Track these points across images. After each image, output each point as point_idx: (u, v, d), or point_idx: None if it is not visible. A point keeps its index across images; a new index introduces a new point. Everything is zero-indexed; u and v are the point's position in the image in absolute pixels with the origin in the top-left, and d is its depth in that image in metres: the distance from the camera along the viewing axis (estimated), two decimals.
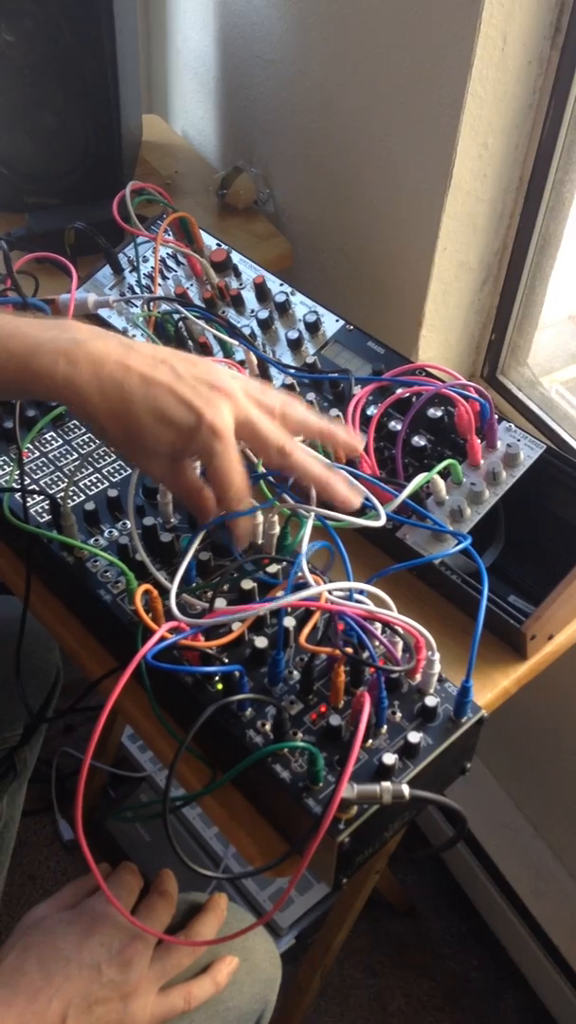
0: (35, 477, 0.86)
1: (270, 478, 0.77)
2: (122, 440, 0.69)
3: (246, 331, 0.99)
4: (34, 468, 0.87)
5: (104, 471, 0.87)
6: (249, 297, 1.02)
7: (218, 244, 1.06)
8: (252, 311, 1.01)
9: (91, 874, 0.65)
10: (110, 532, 0.81)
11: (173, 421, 0.67)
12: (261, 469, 0.79)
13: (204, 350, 0.98)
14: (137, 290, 1.05)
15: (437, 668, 0.69)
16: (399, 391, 0.88)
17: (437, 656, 0.69)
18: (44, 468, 0.87)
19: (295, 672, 0.71)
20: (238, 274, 1.04)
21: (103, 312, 1.03)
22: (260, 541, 0.79)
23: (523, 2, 0.93)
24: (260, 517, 0.78)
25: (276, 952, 0.87)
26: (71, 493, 0.84)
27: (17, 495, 0.82)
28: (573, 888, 1.37)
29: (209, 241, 1.07)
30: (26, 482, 0.85)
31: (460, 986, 1.51)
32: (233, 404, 0.68)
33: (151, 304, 0.99)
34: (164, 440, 0.68)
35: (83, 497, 0.84)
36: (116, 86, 1.20)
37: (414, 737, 0.66)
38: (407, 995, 1.50)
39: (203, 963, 0.77)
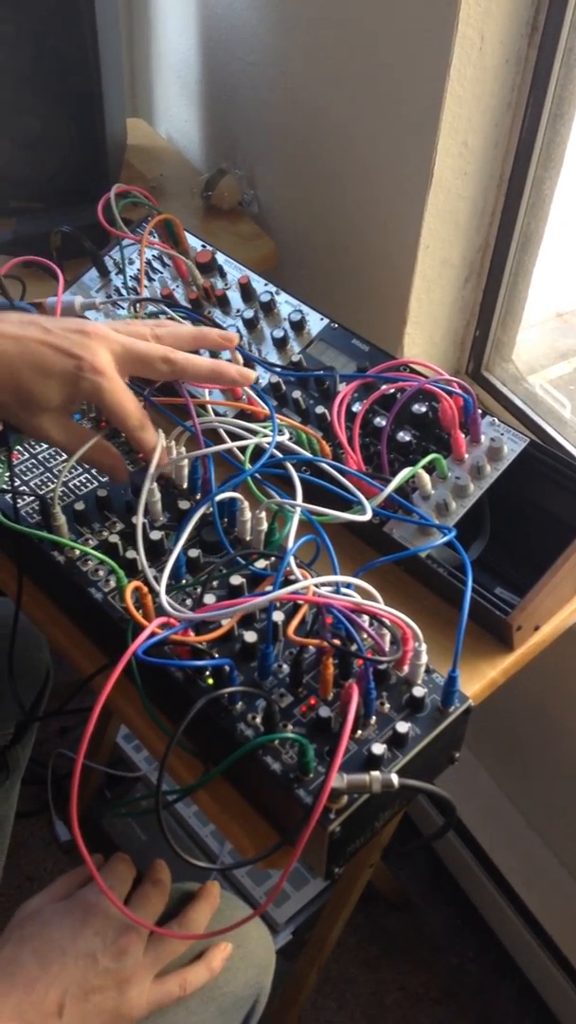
0: (25, 478, 0.87)
1: (256, 475, 0.78)
2: (15, 406, 0.72)
3: (231, 331, 0.99)
4: (24, 470, 0.88)
5: (93, 471, 0.88)
6: (234, 297, 1.03)
7: (203, 245, 1.07)
8: (237, 311, 1.02)
9: (84, 866, 0.66)
10: (100, 531, 0.82)
11: (54, 371, 0.70)
12: (248, 466, 0.79)
13: None
14: (123, 292, 1.06)
15: (424, 659, 0.70)
16: (383, 387, 0.89)
17: (424, 647, 0.70)
18: (34, 469, 0.88)
19: (284, 665, 0.72)
20: (223, 275, 1.05)
21: (90, 314, 1.03)
22: (248, 537, 0.80)
23: (500, 1, 0.95)
24: (164, 443, 0.78)
25: (269, 938, 0.88)
26: (61, 494, 0.85)
27: (8, 496, 0.83)
28: (565, 877, 1.39)
29: (194, 243, 1.08)
30: (16, 483, 0.86)
31: (456, 978, 1.53)
32: (106, 341, 0.72)
33: (137, 306, 1.00)
34: (52, 393, 0.71)
35: (73, 497, 0.85)
36: (100, 90, 1.21)
37: (402, 727, 0.67)
38: (404, 988, 1.51)
39: (197, 950, 0.78)
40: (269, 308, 1.00)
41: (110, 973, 0.69)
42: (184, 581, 0.76)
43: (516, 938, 1.47)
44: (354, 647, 0.69)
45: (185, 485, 0.85)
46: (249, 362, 0.95)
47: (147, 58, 1.58)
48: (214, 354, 0.96)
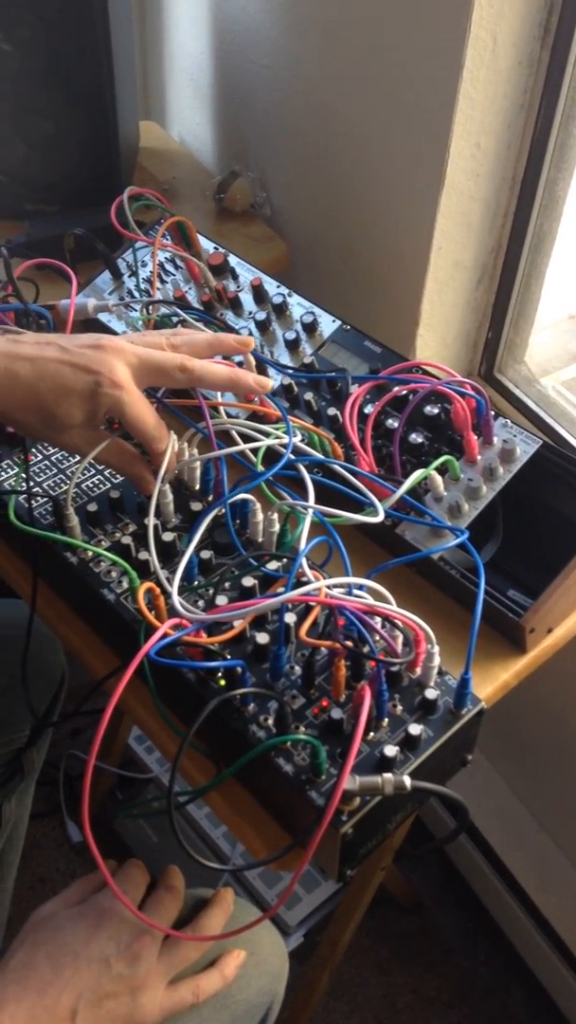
0: (39, 480, 0.87)
1: (269, 477, 0.78)
2: (39, 425, 0.73)
3: (244, 333, 1.00)
4: (38, 471, 0.88)
5: (106, 472, 0.88)
6: (247, 299, 1.03)
7: (215, 247, 1.08)
8: (250, 313, 1.02)
9: (98, 871, 0.66)
10: (112, 533, 0.82)
11: (75, 389, 0.71)
12: (260, 468, 0.80)
13: None
14: (136, 294, 1.06)
15: (437, 661, 0.70)
16: (396, 389, 0.88)
17: (437, 649, 0.70)
18: (48, 471, 0.88)
19: (296, 667, 0.72)
20: (235, 277, 1.05)
21: (103, 316, 1.04)
22: (260, 539, 0.80)
23: (513, 3, 0.94)
24: (176, 446, 0.80)
25: (283, 945, 0.87)
26: (74, 495, 0.85)
27: (22, 498, 0.83)
28: None
29: (207, 245, 1.08)
30: (30, 485, 0.86)
31: (468, 981, 1.52)
32: (123, 354, 0.73)
33: (150, 308, 1.00)
34: (74, 411, 0.72)
35: (86, 499, 0.85)
36: (113, 93, 1.22)
37: (415, 729, 0.67)
38: (415, 992, 1.51)
39: (211, 957, 0.77)
40: (281, 310, 1.00)
41: (123, 979, 0.69)
42: (196, 582, 0.77)
43: (528, 941, 1.46)
44: (366, 649, 0.69)
45: (197, 487, 0.85)
46: (262, 364, 0.95)
47: (160, 61, 1.58)
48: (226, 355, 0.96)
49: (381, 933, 1.56)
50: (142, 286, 1.06)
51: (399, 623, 0.69)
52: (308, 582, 0.69)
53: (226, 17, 1.33)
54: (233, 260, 1.06)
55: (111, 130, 1.25)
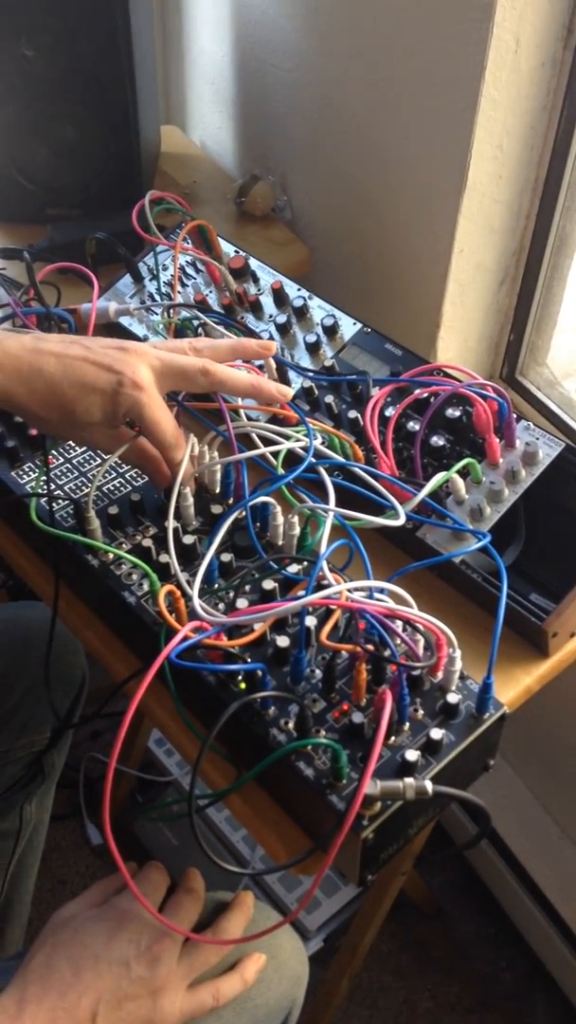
0: (60, 482, 0.88)
1: (290, 480, 0.78)
2: (59, 422, 0.74)
3: (264, 336, 1.00)
4: (59, 473, 0.89)
5: (127, 475, 0.88)
6: (267, 302, 1.03)
7: (236, 251, 1.08)
8: (270, 316, 1.02)
9: (118, 873, 0.66)
10: (133, 535, 0.82)
11: (96, 387, 0.72)
12: (281, 471, 0.79)
13: None
14: (157, 298, 1.06)
15: (459, 665, 0.70)
16: (417, 391, 0.88)
17: (458, 653, 0.69)
18: (69, 473, 0.89)
19: (317, 671, 0.71)
20: (256, 280, 1.05)
21: (124, 320, 1.04)
22: (281, 542, 0.80)
23: (535, 4, 0.94)
24: (197, 449, 0.80)
25: (303, 950, 0.87)
26: (95, 497, 0.85)
27: (43, 500, 0.83)
28: None
29: (227, 248, 1.09)
30: (51, 487, 0.86)
31: (489, 988, 1.51)
32: (145, 357, 0.74)
33: (171, 311, 1.01)
34: (94, 409, 0.72)
35: (107, 501, 0.85)
36: (134, 98, 1.22)
37: (436, 734, 0.67)
38: (435, 997, 1.50)
39: (231, 960, 0.77)
40: (302, 313, 1.00)
41: (143, 981, 0.69)
42: (217, 585, 0.77)
43: (549, 948, 1.45)
44: (387, 653, 0.68)
45: (218, 490, 0.85)
46: (282, 367, 0.95)
47: (181, 65, 1.59)
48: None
49: (401, 938, 1.56)
50: (163, 290, 1.06)
51: (420, 627, 0.69)
52: (329, 585, 0.69)
53: (247, 21, 1.33)
54: (254, 263, 1.06)
55: (133, 135, 1.25)
